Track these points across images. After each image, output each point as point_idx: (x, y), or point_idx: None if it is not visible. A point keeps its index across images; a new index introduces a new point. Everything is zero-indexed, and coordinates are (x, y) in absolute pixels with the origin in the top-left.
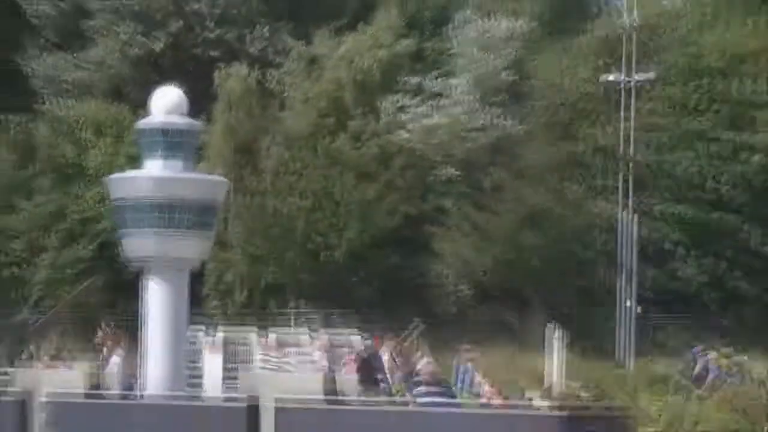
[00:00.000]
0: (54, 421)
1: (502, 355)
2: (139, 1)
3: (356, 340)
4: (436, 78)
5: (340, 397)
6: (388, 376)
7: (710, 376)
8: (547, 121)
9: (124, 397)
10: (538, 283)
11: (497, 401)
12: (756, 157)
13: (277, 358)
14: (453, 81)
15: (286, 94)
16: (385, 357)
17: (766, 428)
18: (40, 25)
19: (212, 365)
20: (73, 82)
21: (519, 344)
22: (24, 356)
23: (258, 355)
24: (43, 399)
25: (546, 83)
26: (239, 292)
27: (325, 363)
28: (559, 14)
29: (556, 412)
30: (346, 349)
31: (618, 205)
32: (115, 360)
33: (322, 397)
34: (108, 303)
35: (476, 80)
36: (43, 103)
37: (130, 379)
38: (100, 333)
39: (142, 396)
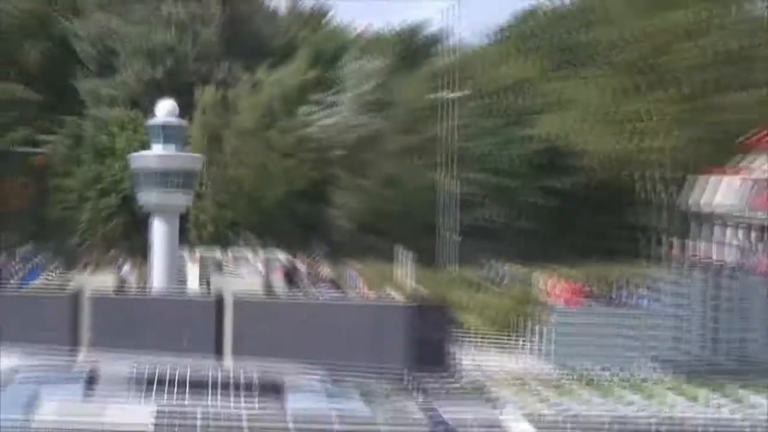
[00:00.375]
0: (95, 309)
1: (374, 268)
2: (147, 44)
3: (283, 257)
4: (332, 94)
5: (273, 293)
6: (303, 281)
7: (505, 281)
8: (402, 121)
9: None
10: (397, 222)
11: (372, 296)
12: (531, 144)
13: (233, 268)
14: (342, 96)
15: (238, 105)
16: (302, 269)
17: (534, 310)
18: (86, 60)
19: (193, 273)
20: (106, 96)
21: (385, 261)
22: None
23: (222, 266)
24: (89, 294)
25: (402, 97)
26: (210, 227)
27: (263, 271)
28: (412, 52)
29: (409, 303)
30: (277, 263)
31: (447, 174)
32: (126, 269)
33: (261, 292)
34: (126, 235)
35: (357, 96)
36: (88, 109)
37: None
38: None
39: (149, 292)
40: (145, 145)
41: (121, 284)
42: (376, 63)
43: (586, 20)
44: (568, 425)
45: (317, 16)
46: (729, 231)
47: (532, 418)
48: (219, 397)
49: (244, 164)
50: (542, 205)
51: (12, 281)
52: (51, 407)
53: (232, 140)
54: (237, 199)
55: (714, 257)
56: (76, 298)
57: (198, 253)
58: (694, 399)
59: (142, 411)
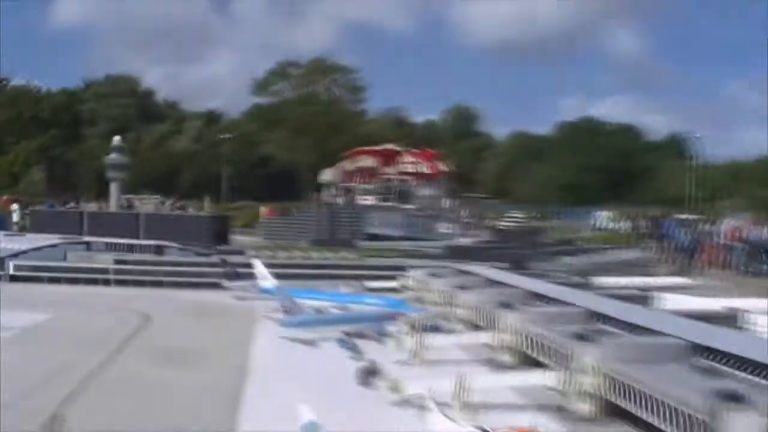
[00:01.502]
0: (89, 218)
1: (198, 203)
2: (110, 114)
3: (165, 198)
4: (178, 134)
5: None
6: (173, 208)
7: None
8: (209, 145)
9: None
10: (207, 186)
11: (196, 212)
12: (259, 155)
13: (142, 201)
14: (183, 135)
15: (144, 139)
16: (172, 203)
17: (259, 218)
18: (90, 120)
19: (126, 204)
20: (95, 135)
21: (201, 201)
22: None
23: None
24: (87, 211)
25: (209, 136)
26: (132, 185)
27: (156, 203)
28: (214, 119)
29: (210, 216)
30: (162, 200)
31: (225, 165)
32: (100, 204)
33: (154, 211)
34: (101, 190)
35: (191, 134)
36: (88, 139)
37: None
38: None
39: (109, 210)
40: (111, 153)
41: (100, 207)
42: (198, 123)
43: (296, 102)
44: (277, 261)
45: (171, 105)
46: (334, 190)
47: (263, 260)
48: (138, 253)
49: (147, 160)
50: (264, 179)
51: (57, 208)
52: (73, 257)
53: (142, 152)
54: (143, 174)
55: (329, 199)
56: (81, 213)
57: (128, 196)
58: (322, 255)
59: (108, 257)
